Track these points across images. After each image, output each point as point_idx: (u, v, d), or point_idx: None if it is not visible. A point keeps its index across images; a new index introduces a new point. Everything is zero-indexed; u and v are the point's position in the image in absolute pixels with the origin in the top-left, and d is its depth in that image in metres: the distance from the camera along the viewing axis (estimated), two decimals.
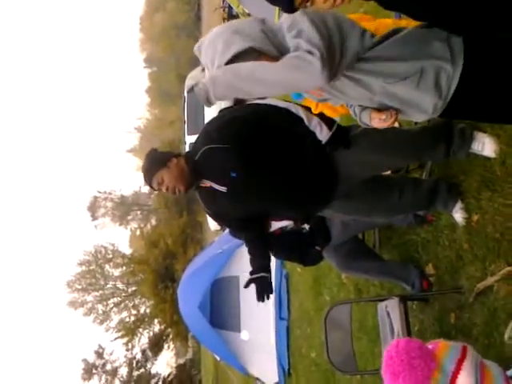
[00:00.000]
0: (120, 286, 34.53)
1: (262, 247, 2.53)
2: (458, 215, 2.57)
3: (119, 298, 34.11)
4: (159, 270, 27.88)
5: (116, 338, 30.68)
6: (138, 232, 35.99)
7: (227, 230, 4.60)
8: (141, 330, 31.38)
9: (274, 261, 5.76)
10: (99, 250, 33.97)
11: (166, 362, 31.96)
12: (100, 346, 30.60)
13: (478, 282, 2.39)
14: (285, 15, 1.66)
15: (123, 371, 30.35)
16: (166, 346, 31.21)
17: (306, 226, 3.17)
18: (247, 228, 2.52)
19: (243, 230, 2.55)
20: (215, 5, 17.68)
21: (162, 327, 30.34)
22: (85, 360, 30.44)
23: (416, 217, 2.90)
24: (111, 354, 30.61)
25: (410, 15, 1.51)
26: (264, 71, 1.61)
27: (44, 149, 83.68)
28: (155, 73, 43.24)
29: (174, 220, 29.41)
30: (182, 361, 30.20)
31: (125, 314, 33.34)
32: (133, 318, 32.49)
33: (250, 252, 2.54)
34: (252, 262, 2.50)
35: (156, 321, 30.90)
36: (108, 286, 34.37)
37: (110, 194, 38.41)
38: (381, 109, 1.79)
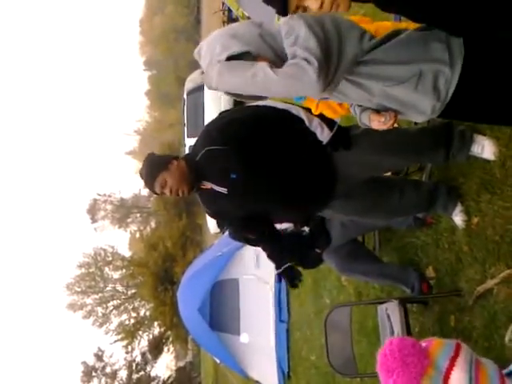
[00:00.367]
0: (119, 288, 34.48)
1: (272, 242, 2.53)
2: (458, 218, 2.57)
3: (119, 301, 34.06)
4: (159, 272, 27.84)
5: (115, 341, 30.62)
6: (137, 234, 35.97)
7: (227, 233, 4.60)
8: (140, 332, 31.32)
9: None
10: (99, 252, 33.94)
11: (165, 365, 31.94)
12: (99, 349, 30.52)
13: (478, 284, 2.39)
14: (284, 18, 1.67)
15: (123, 374, 30.28)
16: (165, 348, 31.16)
17: (306, 229, 3.17)
18: (248, 227, 2.51)
19: (244, 229, 2.54)
20: (215, 8, 17.69)
21: (162, 330, 30.29)
22: (84, 363, 30.37)
23: (415, 219, 2.90)
24: (111, 356, 30.54)
25: (408, 17, 1.51)
26: (265, 76, 1.62)
27: (44, 151, 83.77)
28: (155, 76, 43.30)
29: (173, 222, 29.40)
30: (181, 364, 30.15)
31: (124, 316, 33.29)
32: (132, 321, 32.43)
33: (264, 250, 2.55)
34: (271, 258, 2.52)
35: (156, 323, 30.85)
36: (107, 288, 34.32)
37: (109, 196, 38.41)
38: (380, 110, 1.80)
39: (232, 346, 6.63)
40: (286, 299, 6.15)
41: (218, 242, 7.34)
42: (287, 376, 6.02)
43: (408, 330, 2.46)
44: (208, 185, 2.35)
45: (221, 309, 6.66)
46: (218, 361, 8.17)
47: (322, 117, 2.38)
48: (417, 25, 1.66)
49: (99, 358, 30.35)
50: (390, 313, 2.56)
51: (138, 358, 30.00)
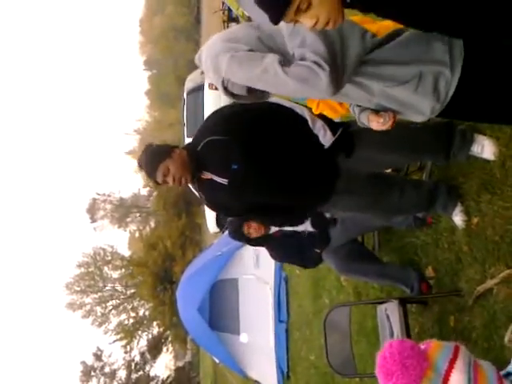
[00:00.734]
0: (119, 288, 34.48)
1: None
2: (458, 218, 2.57)
3: (118, 301, 34.05)
4: (158, 272, 27.85)
5: (115, 341, 30.64)
6: (136, 234, 35.98)
7: (226, 232, 4.59)
8: (139, 332, 31.33)
9: (273, 263, 5.77)
10: (98, 252, 33.94)
11: (164, 365, 31.93)
12: (98, 349, 30.54)
13: (478, 284, 2.38)
14: None
15: (122, 374, 30.30)
16: (164, 348, 31.17)
17: (305, 229, 3.17)
18: (254, 212, 2.52)
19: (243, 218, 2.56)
20: (215, 7, 17.68)
21: (161, 330, 30.31)
22: (83, 362, 30.39)
23: (415, 219, 2.90)
24: (110, 356, 30.56)
25: (404, 23, 1.49)
26: (275, 75, 1.60)
27: (43, 151, 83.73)
28: (155, 75, 43.29)
29: (172, 222, 29.40)
30: (180, 363, 30.16)
31: (123, 316, 33.30)
32: (132, 321, 32.44)
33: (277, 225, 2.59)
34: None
35: (155, 323, 30.87)
36: (107, 288, 34.31)
37: (108, 196, 38.41)
38: (379, 110, 1.80)
39: (231, 345, 6.63)
40: (285, 299, 6.15)
41: (217, 241, 7.34)
42: (286, 376, 6.02)
43: (407, 331, 2.46)
44: (208, 175, 2.33)
45: (220, 308, 6.66)
46: (217, 361, 8.17)
47: (325, 119, 2.37)
48: None
49: (98, 357, 30.36)
50: (390, 313, 2.55)
51: (137, 358, 30.04)
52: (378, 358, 1.38)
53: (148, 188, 33.37)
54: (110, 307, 33.72)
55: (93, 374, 30.21)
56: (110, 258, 34.13)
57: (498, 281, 2.24)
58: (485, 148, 2.39)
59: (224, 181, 2.30)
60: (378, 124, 1.82)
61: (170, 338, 30.03)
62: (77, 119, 78.65)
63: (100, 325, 32.75)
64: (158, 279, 27.48)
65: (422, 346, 1.39)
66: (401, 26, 1.68)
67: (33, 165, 76.02)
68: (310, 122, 2.30)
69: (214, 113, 2.47)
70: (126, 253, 35.80)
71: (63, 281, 34.19)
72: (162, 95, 39.39)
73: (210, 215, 11.23)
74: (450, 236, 2.68)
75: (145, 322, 32.12)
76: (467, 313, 2.47)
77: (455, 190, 2.60)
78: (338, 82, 1.60)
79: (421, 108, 1.71)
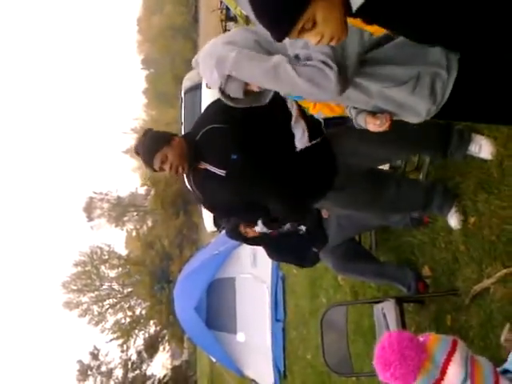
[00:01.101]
0: (116, 287, 34.45)
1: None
2: (453, 220, 2.57)
3: (115, 300, 34.02)
4: (155, 271, 27.85)
5: (111, 340, 30.61)
6: (134, 233, 35.93)
7: (223, 231, 4.59)
8: (136, 331, 31.32)
9: (270, 262, 5.77)
10: (95, 250, 33.90)
11: (161, 364, 31.91)
12: (95, 348, 30.50)
13: (475, 284, 2.39)
14: None
15: (118, 373, 30.27)
16: (161, 347, 31.17)
17: (303, 228, 3.17)
18: (245, 212, 2.48)
19: (232, 216, 2.52)
20: (213, 6, 17.67)
21: (158, 329, 30.30)
22: (80, 361, 30.35)
23: (412, 219, 2.90)
24: (106, 355, 30.52)
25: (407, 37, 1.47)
26: (285, 72, 1.58)
27: (40, 149, 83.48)
28: (152, 74, 43.23)
29: (170, 221, 29.40)
30: (177, 362, 30.14)
31: (120, 315, 33.27)
32: (128, 320, 32.41)
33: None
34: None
35: (152, 322, 30.86)
36: (104, 287, 34.28)
37: (106, 194, 38.35)
38: (375, 112, 1.81)
39: (228, 344, 6.63)
40: (282, 298, 6.15)
41: (214, 240, 7.34)
42: (283, 375, 6.02)
43: (404, 330, 2.46)
44: (205, 165, 2.30)
45: (217, 307, 6.66)
46: (213, 360, 8.17)
47: (312, 123, 2.32)
48: None
49: (95, 356, 30.32)
50: (387, 312, 2.56)
51: (134, 357, 30.01)
52: (376, 349, 1.39)
53: (145, 187, 33.33)
54: (107, 306, 33.69)
55: (89, 372, 30.19)
56: (107, 256, 34.10)
57: (494, 280, 2.25)
58: (482, 148, 2.40)
59: (221, 172, 2.27)
60: (374, 126, 1.84)
61: (166, 337, 30.03)
62: (74, 118, 78.52)
63: (97, 324, 32.72)
64: (154, 278, 27.48)
65: (421, 338, 1.40)
66: None
67: (30, 163, 75.89)
68: (292, 119, 2.27)
69: (213, 102, 2.42)
70: (123, 252, 35.79)
71: (60, 279, 34.17)
72: (159, 94, 39.35)
73: (207, 214, 11.23)
74: (447, 235, 2.68)
75: (142, 320, 32.10)
76: (464, 312, 2.48)
77: (451, 191, 2.60)
78: (345, 80, 1.59)
79: (417, 110, 1.72)
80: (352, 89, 1.71)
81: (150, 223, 36.47)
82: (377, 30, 1.74)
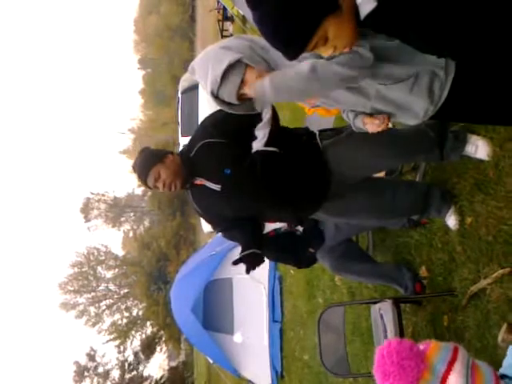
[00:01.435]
0: (112, 288, 34.40)
1: (253, 233, 2.47)
2: (451, 221, 2.57)
3: (111, 300, 33.97)
4: (152, 272, 27.81)
5: (108, 341, 30.57)
6: (130, 234, 35.90)
7: (220, 233, 4.59)
8: (133, 332, 31.27)
9: (267, 263, 5.77)
10: (92, 251, 33.86)
11: (158, 365, 31.87)
12: (92, 349, 30.44)
13: (471, 284, 2.39)
14: None
15: (115, 374, 30.23)
16: (158, 348, 31.12)
17: (300, 228, 3.17)
18: (239, 226, 2.46)
19: (233, 229, 2.50)
20: (210, 6, 17.68)
21: (155, 329, 30.25)
22: (76, 362, 30.27)
23: (409, 220, 2.90)
24: (103, 356, 30.47)
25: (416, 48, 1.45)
26: (321, 66, 1.53)
27: (37, 150, 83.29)
28: (149, 74, 43.19)
29: (167, 222, 29.37)
30: (174, 363, 30.10)
31: (117, 316, 33.24)
32: (125, 321, 32.37)
33: (241, 237, 2.47)
34: (242, 243, 2.44)
35: (148, 323, 30.82)
36: (100, 287, 34.23)
37: (103, 195, 38.29)
38: (373, 114, 1.81)
39: (225, 345, 6.63)
40: (279, 299, 6.15)
41: (211, 241, 7.33)
42: (280, 376, 6.02)
43: (401, 330, 2.46)
44: (201, 181, 2.32)
45: (214, 308, 6.65)
46: (211, 360, 8.16)
47: (278, 132, 2.31)
48: None
49: (91, 357, 30.26)
50: (384, 313, 2.55)
51: (131, 358, 29.98)
52: (375, 356, 1.37)
53: (142, 188, 33.29)
54: (104, 307, 33.65)
55: (86, 374, 30.12)
56: (103, 257, 34.05)
57: (491, 281, 2.25)
58: (479, 148, 2.40)
59: (217, 187, 2.29)
60: (373, 125, 1.83)
61: (163, 338, 29.97)
62: (71, 118, 78.32)
63: (93, 325, 32.69)
64: (151, 279, 27.45)
65: (421, 347, 1.38)
66: None
67: (26, 164, 75.66)
68: (262, 122, 2.25)
69: (208, 116, 2.46)
70: (120, 252, 35.74)
71: (57, 280, 34.10)
72: (156, 94, 39.33)
73: None
74: (444, 236, 2.68)
75: (138, 321, 32.06)
76: (460, 312, 2.48)
77: (449, 193, 2.60)
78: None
79: (415, 110, 1.72)
80: (350, 92, 1.72)
81: (146, 224, 36.45)
82: None
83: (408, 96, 1.68)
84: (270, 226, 3.15)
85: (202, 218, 2.80)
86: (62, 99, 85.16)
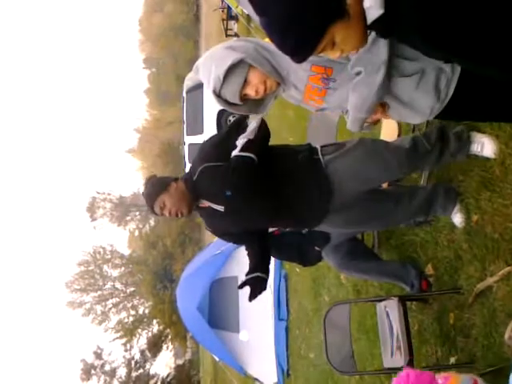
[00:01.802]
0: (119, 286, 34.51)
1: (261, 253, 2.57)
2: (457, 218, 2.57)
3: (118, 299, 34.08)
4: (158, 270, 27.88)
5: (115, 339, 30.67)
6: (136, 233, 35.99)
7: None
8: (139, 330, 31.36)
9: (273, 261, 5.76)
10: (98, 250, 33.98)
11: (164, 363, 31.93)
12: (99, 347, 30.56)
13: (478, 282, 2.39)
14: None
15: (122, 372, 30.31)
16: (164, 346, 31.19)
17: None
18: (248, 241, 2.58)
19: (245, 243, 2.61)
20: (214, 5, 17.67)
21: (161, 328, 30.32)
22: (83, 360, 30.40)
23: (415, 220, 2.89)
24: (110, 354, 30.58)
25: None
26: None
27: (43, 149, 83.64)
28: (154, 74, 43.24)
29: (172, 221, 29.37)
30: (180, 361, 30.17)
31: (123, 314, 33.34)
32: (131, 319, 32.47)
33: (249, 257, 2.59)
34: (250, 264, 2.55)
35: (155, 321, 30.89)
36: (107, 286, 34.35)
37: (108, 194, 38.41)
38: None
39: (231, 343, 6.64)
40: (285, 297, 6.16)
41: (216, 240, 7.34)
42: (286, 374, 6.03)
43: (407, 328, 2.46)
44: (206, 203, 2.38)
45: (220, 306, 6.67)
46: (217, 358, 8.18)
47: (260, 142, 2.33)
48: None
49: (98, 355, 30.38)
50: (389, 310, 2.55)
51: (137, 356, 30.06)
52: None
53: None
54: (110, 305, 33.76)
55: (93, 372, 30.25)
56: (109, 256, 34.16)
57: (497, 278, 2.24)
58: (485, 146, 2.39)
59: (220, 208, 2.34)
60: (375, 115, 1.86)
61: (169, 336, 30.04)
62: (77, 117, 78.57)
63: (100, 323, 32.80)
64: (157, 277, 27.52)
65: (440, 381, 1.36)
66: None
67: (33, 163, 76.00)
68: (246, 132, 2.30)
69: (207, 140, 2.51)
70: (126, 251, 35.85)
71: (63, 279, 34.27)
72: (161, 94, 39.35)
73: None
74: (450, 234, 2.68)
75: (145, 320, 32.15)
76: (467, 310, 2.47)
77: (453, 189, 2.60)
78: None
79: (421, 108, 1.72)
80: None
81: (152, 223, 36.50)
82: None
83: (414, 92, 1.68)
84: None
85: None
86: (68, 99, 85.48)
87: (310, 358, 5.05)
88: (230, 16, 14.17)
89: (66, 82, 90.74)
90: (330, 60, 1.72)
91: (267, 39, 1.28)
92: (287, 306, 6.15)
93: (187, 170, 2.55)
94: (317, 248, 3.09)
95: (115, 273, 34.69)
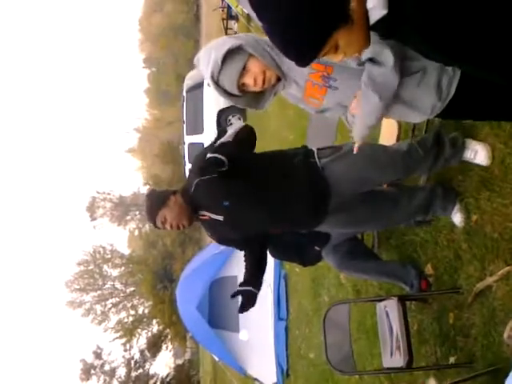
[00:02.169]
0: (118, 286, 34.50)
1: (258, 264, 2.62)
2: (456, 218, 2.57)
3: (117, 299, 34.07)
4: (158, 270, 27.87)
5: (114, 339, 30.66)
6: (136, 232, 35.99)
7: None
8: (139, 330, 31.34)
9: (272, 261, 5.77)
10: (98, 250, 33.95)
11: (164, 363, 31.93)
12: (98, 347, 30.55)
13: (477, 281, 2.39)
14: None
15: (121, 372, 30.30)
16: (164, 346, 31.18)
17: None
18: (248, 249, 2.64)
19: (248, 247, 2.65)
20: (214, 5, 17.66)
21: (161, 328, 30.30)
22: (83, 360, 30.39)
23: (415, 220, 2.89)
24: (109, 354, 30.57)
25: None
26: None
27: (43, 149, 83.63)
28: (154, 73, 43.22)
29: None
30: (180, 361, 30.16)
31: (123, 314, 33.32)
32: (131, 319, 32.45)
33: (246, 266, 2.63)
34: (245, 274, 2.59)
35: (154, 321, 30.87)
36: (106, 286, 34.34)
37: (108, 194, 38.40)
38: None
39: (231, 343, 6.64)
40: (284, 297, 6.16)
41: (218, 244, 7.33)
42: (286, 373, 6.03)
43: (407, 328, 2.46)
44: (206, 215, 2.40)
45: (220, 306, 6.66)
46: (216, 358, 8.18)
47: (231, 145, 2.34)
48: None
49: (98, 355, 30.37)
50: (389, 310, 2.55)
51: (137, 356, 30.04)
52: None
53: (148, 186, 33.34)
54: (110, 305, 33.74)
55: (93, 372, 30.24)
56: (109, 256, 34.14)
57: (496, 278, 2.25)
58: (478, 153, 2.41)
59: (220, 217, 2.37)
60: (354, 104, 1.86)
61: (169, 336, 30.03)
62: (76, 117, 78.59)
63: (100, 323, 32.78)
64: (157, 277, 27.49)
65: None
66: None
67: (33, 163, 75.99)
68: (226, 135, 2.31)
69: (200, 153, 2.51)
70: (126, 251, 35.86)
71: (63, 279, 34.26)
72: (161, 93, 39.33)
73: None
74: (449, 233, 2.68)
75: (144, 319, 32.13)
76: (466, 310, 2.48)
77: (453, 189, 2.60)
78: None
79: (422, 106, 1.72)
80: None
81: None
82: None
83: (415, 91, 1.69)
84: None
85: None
86: (67, 99, 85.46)
87: (310, 358, 5.05)
88: (230, 15, 14.17)
89: (66, 81, 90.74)
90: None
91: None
92: (287, 305, 6.14)
93: (187, 170, 2.56)
94: (317, 248, 3.09)
95: (115, 272, 34.68)
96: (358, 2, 1.13)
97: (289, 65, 1.79)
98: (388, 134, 2.92)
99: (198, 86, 10.02)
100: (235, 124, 2.64)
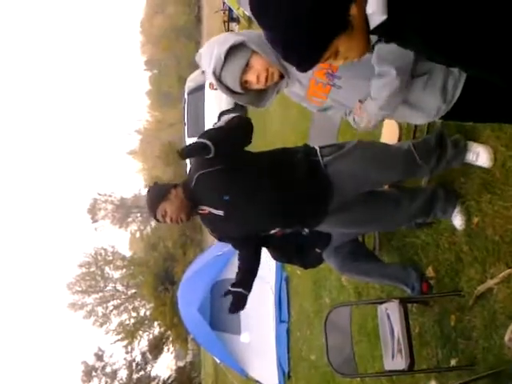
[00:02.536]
0: (120, 288, 34.50)
1: (251, 266, 2.62)
2: (457, 220, 2.57)
3: (119, 301, 34.07)
4: (159, 272, 27.85)
5: (116, 341, 30.64)
6: (137, 234, 36.01)
7: None
8: (141, 332, 31.33)
9: (274, 263, 5.77)
10: (99, 252, 33.97)
11: (165, 365, 31.90)
12: (100, 349, 30.54)
13: (478, 284, 2.39)
14: None
15: (123, 374, 30.28)
16: (165, 348, 31.15)
17: (306, 229, 3.16)
18: (244, 249, 2.62)
19: (244, 247, 2.64)
20: (215, 7, 17.70)
21: (162, 330, 30.29)
22: (84, 362, 30.38)
23: (416, 222, 2.89)
24: (111, 356, 30.55)
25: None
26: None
27: (45, 151, 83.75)
28: (155, 75, 43.29)
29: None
30: (181, 363, 30.13)
31: (125, 316, 33.32)
32: (133, 321, 32.44)
33: (239, 266, 2.63)
34: (237, 274, 2.59)
35: (156, 323, 30.86)
36: (108, 288, 34.34)
37: (110, 196, 38.45)
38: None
39: (232, 345, 6.64)
40: (286, 299, 6.15)
41: (218, 241, 7.33)
42: (287, 376, 6.02)
43: (408, 330, 2.46)
44: (206, 209, 2.40)
45: (221, 308, 6.64)
46: (218, 360, 8.17)
47: (219, 132, 2.36)
48: None
49: (99, 357, 30.35)
50: (390, 313, 2.55)
51: (138, 358, 30.02)
52: None
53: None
54: (111, 307, 33.74)
55: (94, 374, 30.22)
56: (111, 258, 34.16)
57: (498, 280, 2.24)
58: (480, 156, 2.41)
59: (220, 212, 2.36)
60: (357, 111, 1.85)
61: (171, 338, 30.01)
62: (78, 119, 78.73)
63: (101, 325, 32.78)
64: (158, 279, 27.48)
65: None
66: None
67: (34, 165, 76.10)
68: (222, 120, 2.35)
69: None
70: (127, 253, 35.86)
71: (65, 281, 34.27)
72: (162, 95, 39.38)
73: None
74: (451, 236, 2.68)
75: (146, 322, 32.12)
76: (467, 312, 2.47)
77: (454, 192, 2.60)
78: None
79: (427, 108, 1.72)
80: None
81: (153, 224, 36.47)
82: None
83: (421, 93, 1.68)
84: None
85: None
86: (69, 100, 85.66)
87: (311, 360, 5.05)
88: (232, 18, 14.21)
89: (68, 84, 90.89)
90: None
91: None
92: (288, 308, 6.14)
93: (188, 170, 2.56)
94: (318, 250, 3.09)
95: (116, 274, 34.69)
96: (358, 8, 1.13)
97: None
98: (389, 136, 2.92)
99: (200, 88, 10.05)
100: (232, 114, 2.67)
